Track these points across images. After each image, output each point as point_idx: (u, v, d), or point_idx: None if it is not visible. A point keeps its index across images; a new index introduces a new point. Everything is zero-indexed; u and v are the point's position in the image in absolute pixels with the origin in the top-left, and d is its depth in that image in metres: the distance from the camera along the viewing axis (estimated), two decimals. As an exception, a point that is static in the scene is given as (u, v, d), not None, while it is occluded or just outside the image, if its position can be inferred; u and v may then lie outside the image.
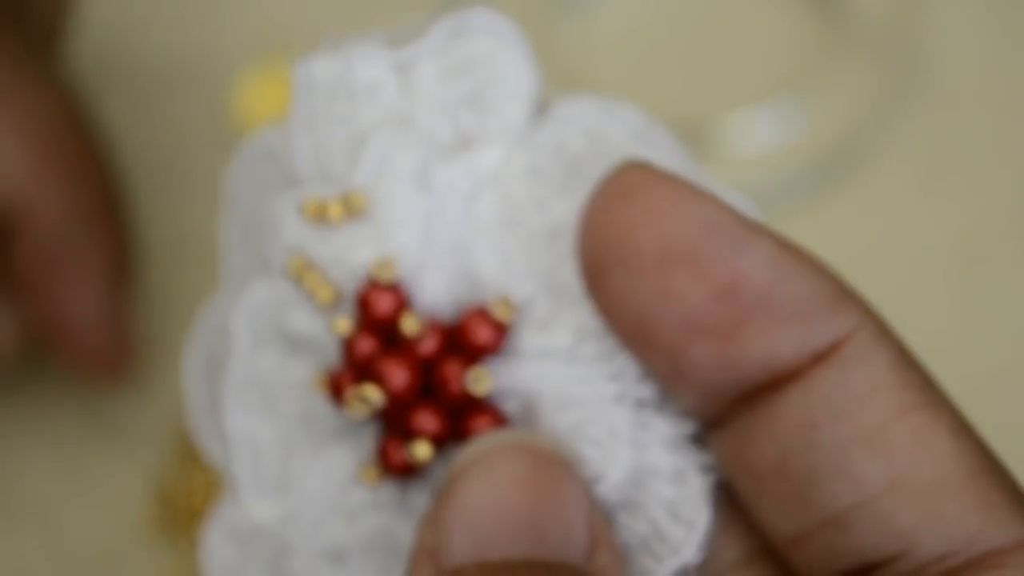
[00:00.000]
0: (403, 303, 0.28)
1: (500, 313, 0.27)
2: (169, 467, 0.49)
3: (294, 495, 0.28)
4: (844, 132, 0.55)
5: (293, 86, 0.28)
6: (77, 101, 0.47)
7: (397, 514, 0.28)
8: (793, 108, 0.56)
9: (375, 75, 0.28)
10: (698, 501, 0.27)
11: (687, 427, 0.27)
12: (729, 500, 0.27)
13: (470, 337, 0.28)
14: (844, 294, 0.26)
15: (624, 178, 0.26)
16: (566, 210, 0.27)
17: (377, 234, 0.28)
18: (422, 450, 0.27)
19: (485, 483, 0.26)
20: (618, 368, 0.27)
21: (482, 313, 0.28)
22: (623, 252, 0.26)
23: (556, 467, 0.26)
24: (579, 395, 0.27)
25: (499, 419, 0.28)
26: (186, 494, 0.49)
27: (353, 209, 0.28)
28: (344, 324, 0.28)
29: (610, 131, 0.28)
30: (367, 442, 0.28)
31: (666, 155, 0.28)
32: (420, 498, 0.28)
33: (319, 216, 0.28)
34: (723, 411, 0.27)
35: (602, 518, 0.26)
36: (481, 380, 0.27)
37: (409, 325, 0.27)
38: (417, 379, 0.28)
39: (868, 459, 0.25)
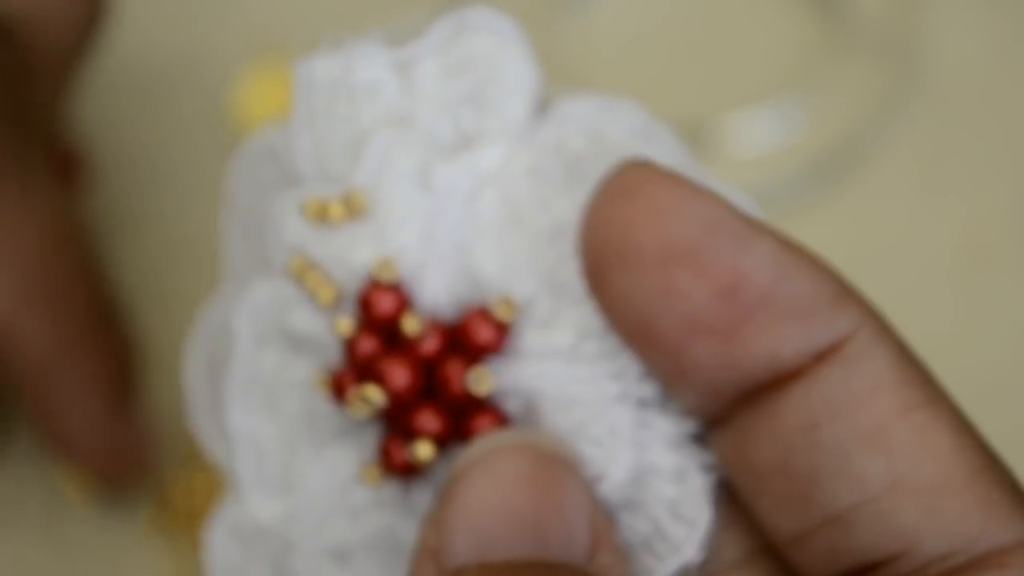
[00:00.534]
0: (404, 303, 0.28)
1: (501, 313, 0.27)
2: (169, 467, 0.49)
3: (297, 494, 0.28)
4: (844, 132, 0.55)
5: (294, 85, 0.28)
6: (65, 210, 0.46)
7: (399, 513, 0.28)
8: (793, 108, 0.56)
9: (376, 74, 0.28)
10: (699, 500, 0.27)
11: (688, 426, 0.27)
12: (730, 499, 0.27)
13: (471, 337, 0.28)
14: (845, 293, 0.26)
15: (626, 176, 0.26)
16: (567, 209, 0.27)
17: (378, 234, 0.28)
18: (424, 450, 0.27)
19: (488, 483, 0.26)
20: (620, 367, 0.27)
21: (483, 313, 0.28)
22: (625, 251, 0.26)
23: (558, 467, 0.26)
24: (580, 394, 0.27)
25: (500, 419, 0.27)
26: (186, 494, 0.49)
27: (354, 209, 0.28)
28: (346, 324, 0.28)
29: (611, 129, 0.28)
30: (369, 441, 0.28)
31: (667, 153, 0.28)
32: (422, 497, 0.28)
33: (320, 216, 0.28)
34: (724, 410, 0.27)
35: (604, 518, 0.26)
36: (482, 380, 0.27)
37: (410, 325, 0.27)
38: (418, 379, 0.28)
39: (869, 458, 0.25)
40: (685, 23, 0.58)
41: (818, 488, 0.25)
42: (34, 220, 0.44)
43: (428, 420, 0.28)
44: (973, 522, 0.25)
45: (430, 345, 0.28)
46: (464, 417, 0.28)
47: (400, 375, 0.27)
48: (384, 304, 0.28)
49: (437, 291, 0.28)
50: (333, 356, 0.28)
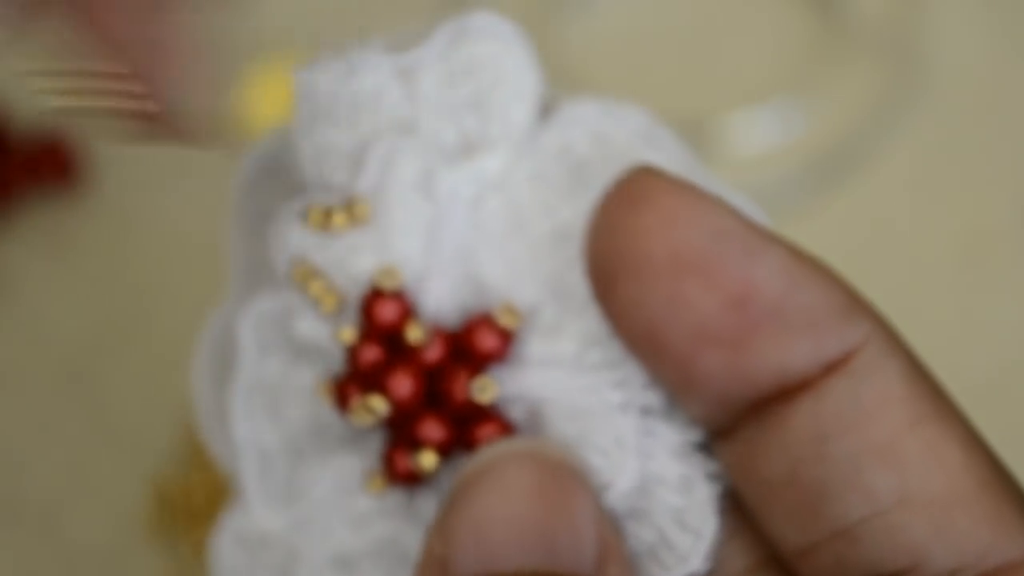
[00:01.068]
0: (407, 311, 0.28)
1: (505, 320, 0.27)
2: (169, 467, 0.49)
3: (301, 502, 0.28)
4: (844, 132, 0.55)
5: (294, 93, 0.28)
6: None
7: (404, 522, 0.28)
8: (793, 108, 0.56)
9: (377, 81, 0.28)
10: (705, 510, 0.27)
11: (693, 435, 0.27)
12: (736, 508, 0.27)
13: (475, 345, 0.27)
14: (856, 304, 0.26)
15: (633, 183, 0.26)
16: (572, 214, 0.27)
17: (380, 241, 0.28)
18: (427, 459, 0.27)
19: (495, 493, 0.25)
20: (624, 376, 0.27)
21: (487, 321, 0.27)
22: (633, 260, 0.26)
23: (566, 476, 0.26)
24: (585, 404, 0.27)
25: (505, 427, 0.27)
26: (185, 494, 0.49)
27: (357, 216, 0.28)
28: (349, 333, 0.27)
29: (614, 133, 0.28)
30: (373, 449, 0.28)
31: (672, 156, 0.28)
32: (427, 506, 0.28)
33: (324, 223, 0.28)
34: (732, 420, 0.26)
35: (612, 528, 0.26)
36: (487, 389, 0.27)
37: (414, 333, 0.27)
38: (422, 388, 0.27)
39: (880, 472, 0.25)
40: (685, 23, 0.58)
41: (827, 501, 0.25)
42: None
43: (432, 429, 0.27)
44: (982, 537, 0.25)
45: (433, 353, 0.27)
46: (468, 425, 0.27)
47: (403, 384, 0.27)
48: (387, 312, 0.27)
49: (440, 299, 0.28)
50: (336, 364, 0.28)
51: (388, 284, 0.27)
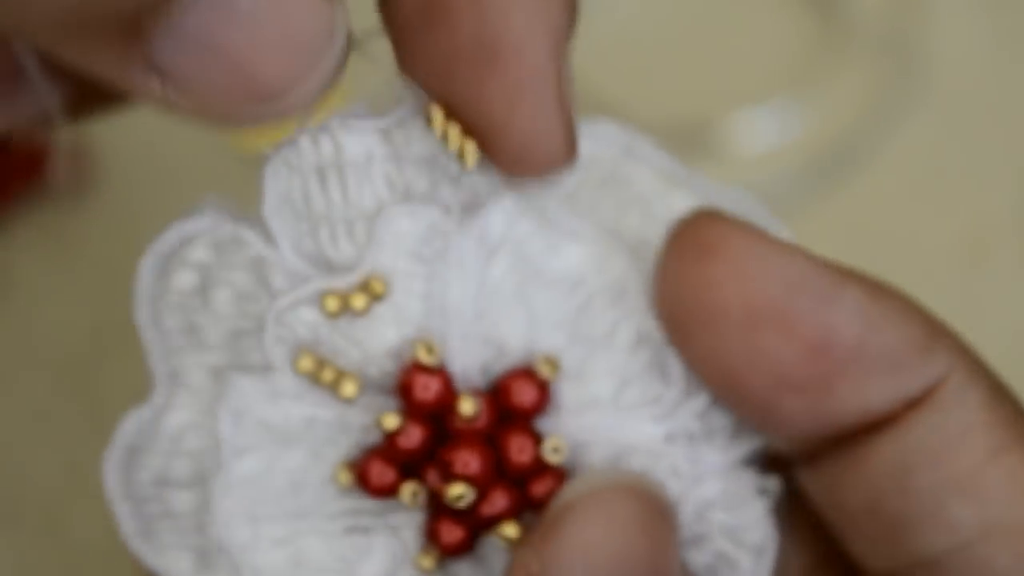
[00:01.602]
0: (449, 383, 0.27)
1: (545, 372, 0.27)
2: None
3: None
4: (844, 132, 0.55)
5: (269, 176, 0.27)
6: None
7: None
8: (793, 108, 0.55)
9: (365, 145, 0.27)
10: (763, 525, 0.27)
11: (738, 451, 0.27)
12: (789, 514, 0.27)
13: (518, 402, 0.27)
14: (934, 337, 0.26)
15: (700, 231, 0.26)
16: (578, 254, 0.27)
17: (398, 315, 0.27)
18: (511, 530, 0.27)
19: (601, 523, 0.25)
20: (663, 409, 0.27)
21: (527, 375, 0.27)
22: (708, 312, 0.25)
23: (664, 513, 0.26)
24: (630, 441, 0.27)
25: (561, 477, 0.27)
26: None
27: (375, 295, 0.27)
28: (392, 419, 0.26)
29: (597, 153, 0.28)
30: (406, 526, 0.27)
31: (654, 164, 0.28)
32: (464, 572, 0.27)
33: (342, 308, 0.27)
34: (816, 451, 0.26)
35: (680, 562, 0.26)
36: (560, 449, 0.27)
37: (467, 406, 0.27)
38: (491, 461, 0.27)
39: (962, 505, 0.25)
40: (685, 23, 0.58)
41: (909, 533, 0.25)
42: None
43: (500, 500, 0.27)
44: None
45: (482, 421, 0.27)
46: (525, 484, 0.27)
47: (472, 462, 0.26)
48: (431, 389, 0.27)
49: (467, 364, 0.27)
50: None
51: (428, 359, 0.27)
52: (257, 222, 0.27)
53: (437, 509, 0.27)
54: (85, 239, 0.55)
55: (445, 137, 0.26)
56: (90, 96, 0.28)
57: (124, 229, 0.54)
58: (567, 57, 0.26)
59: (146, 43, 0.24)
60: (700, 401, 0.27)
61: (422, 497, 0.27)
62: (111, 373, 0.52)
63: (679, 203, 0.28)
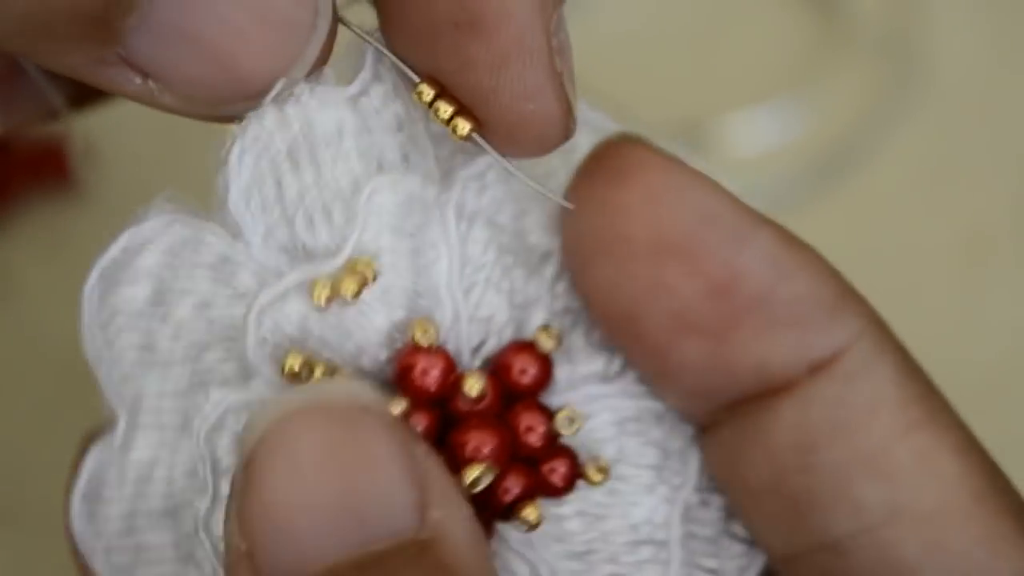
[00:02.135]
0: (451, 363, 0.25)
1: (545, 344, 0.26)
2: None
3: None
4: (844, 132, 0.55)
5: (233, 164, 0.25)
6: None
7: None
8: (793, 108, 0.55)
9: (336, 116, 0.25)
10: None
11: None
12: None
13: (520, 377, 0.26)
14: (846, 298, 0.25)
15: (616, 155, 0.25)
16: (547, 218, 0.26)
17: (385, 299, 0.26)
18: (532, 513, 0.25)
19: (286, 470, 0.22)
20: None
21: (528, 349, 0.26)
22: (613, 239, 0.24)
23: (359, 424, 0.22)
24: (627, 407, 0.26)
25: (571, 456, 0.26)
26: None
27: (365, 278, 0.25)
28: (399, 405, 0.25)
29: None
30: None
31: (597, 127, 0.27)
32: (510, 558, 0.26)
33: (332, 297, 0.25)
34: (713, 415, 0.25)
35: (427, 460, 0.23)
36: (576, 419, 0.26)
37: (474, 385, 0.25)
38: (507, 440, 0.25)
39: (869, 484, 0.24)
40: (684, 23, 0.58)
41: (813, 512, 0.24)
42: None
43: (516, 483, 0.25)
44: (976, 556, 0.24)
45: (488, 401, 0.25)
46: (537, 466, 0.26)
47: (487, 443, 0.25)
48: (434, 369, 0.25)
49: (460, 344, 0.26)
50: None
51: (426, 339, 0.25)
52: (219, 218, 0.26)
53: None
54: (85, 239, 0.55)
55: (435, 112, 0.24)
56: (93, 91, 0.26)
57: (124, 229, 0.54)
58: (560, 24, 0.24)
59: (120, 40, 0.23)
60: None
61: None
62: (111, 373, 0.52)
63: None
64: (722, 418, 0.25)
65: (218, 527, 0.25)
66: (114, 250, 0.26)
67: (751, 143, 0.55)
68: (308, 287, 0.25)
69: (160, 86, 0.24)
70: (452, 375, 0.25)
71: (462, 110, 0.24)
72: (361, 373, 0.26)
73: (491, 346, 0.26)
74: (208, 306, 0.26)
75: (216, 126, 0.27)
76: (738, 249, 0.24)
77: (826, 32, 0.58)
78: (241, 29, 0.23)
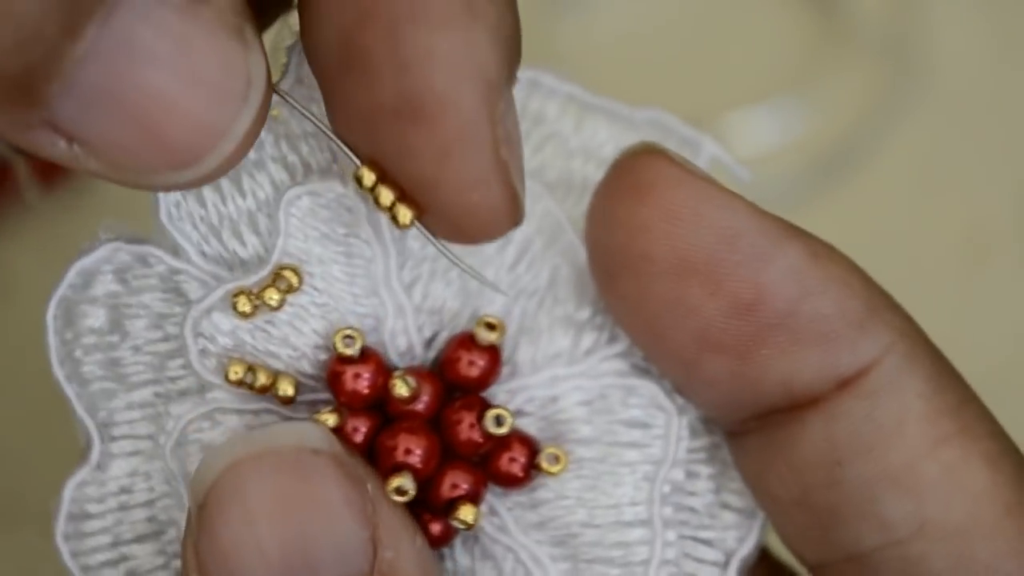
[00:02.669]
0: (381, 367, 0.25)
1: (486, 336, 0.25)
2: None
3: None
4: (844, 131, 0.55)
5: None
6: None
7: None
8: (793, 108, 0.55)
9: None
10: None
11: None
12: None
13: (462, 374, 0.25)
14: (875, 311, 0.24)
15: (636, 170, 0.24)
16: None
17: (320, 302, 0.25)
18: (468, 513, 0.25)
19: (237, 521, 0.22)
20: (625, 343, 0.26)
21: (466, 343, 0.25)
22: (635, 257, 0.24)
23: (309, 468, 0.23)
24: (598, 386, 0.26)
25: (527, 443, 0.26)
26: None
27: (290, 286, 0.25)
28: (330, 417, 0.25)
29: (535, 106, 0.27)
30: None
31: (563, 94, 0.26)
32: (462, 560, 0.26)
33: (255, 307, 0.25)
34: (740, 425, 0.25)
35: (380, 499, 0.23)
36: (504, 421, 0.25)
37: (402, 387, 0.25)
38: (436, 443, 0.25)
39: (896, 500, 0.24)
40: (685, 23, 0.58)
41: (839, 527, 0.24)
42: None
43: (459, 481, 0.25)
44: (1004, 570, 0.23)
45: (428, 400, 0.25)
46: (490, 459, 0.25)
47: (415, 448, 0.24)
48: (361, 378, 0.25)
49: (411, 340, 0.26)
50: None
51: (349, 349, 0.25)
52: (162, 237, 0.26)
53: (414, 503, 0.26)
54: (85, 239, 0.55)
55: (376, 199, 0.24)
56: None
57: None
58: (508, 106, 0.23)
59: (45, 104, 0.22)
60: None
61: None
62: (111, 373, 0.52)
63: (597, 132, 0.27)
64: (751, 427, 0.25)
65: None
66: (65, 285, 0.26)
67: (751, 142, 0.55)
68: (231, 299, 0.25)
69: (85, 151, 0.23)
70: (382, 377, 0.25)
71: (403, 196, 0.24)
72: (303, 376, 0.26)
73: (444, 338, 0.26)
74: (164, 319, 0.26)
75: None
76: (761, 267, 0.24)
77: (826, 32, 0.58)
78: (167, 95, 0.22)
